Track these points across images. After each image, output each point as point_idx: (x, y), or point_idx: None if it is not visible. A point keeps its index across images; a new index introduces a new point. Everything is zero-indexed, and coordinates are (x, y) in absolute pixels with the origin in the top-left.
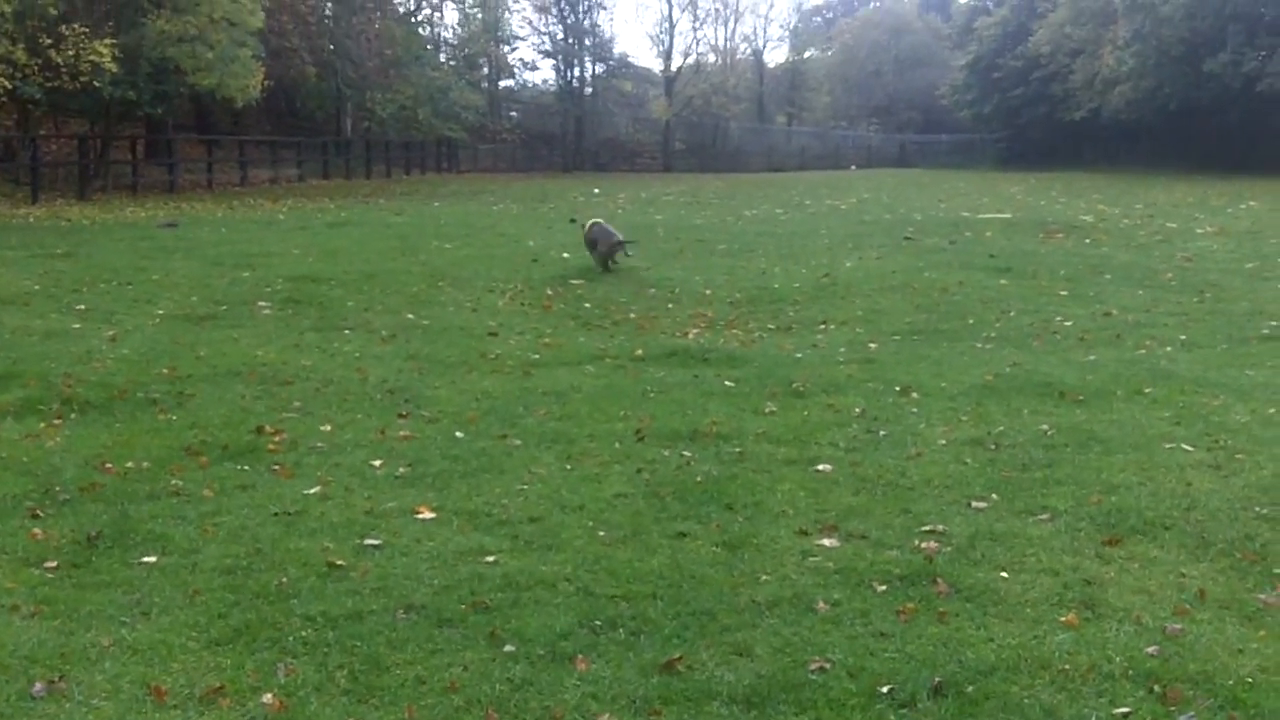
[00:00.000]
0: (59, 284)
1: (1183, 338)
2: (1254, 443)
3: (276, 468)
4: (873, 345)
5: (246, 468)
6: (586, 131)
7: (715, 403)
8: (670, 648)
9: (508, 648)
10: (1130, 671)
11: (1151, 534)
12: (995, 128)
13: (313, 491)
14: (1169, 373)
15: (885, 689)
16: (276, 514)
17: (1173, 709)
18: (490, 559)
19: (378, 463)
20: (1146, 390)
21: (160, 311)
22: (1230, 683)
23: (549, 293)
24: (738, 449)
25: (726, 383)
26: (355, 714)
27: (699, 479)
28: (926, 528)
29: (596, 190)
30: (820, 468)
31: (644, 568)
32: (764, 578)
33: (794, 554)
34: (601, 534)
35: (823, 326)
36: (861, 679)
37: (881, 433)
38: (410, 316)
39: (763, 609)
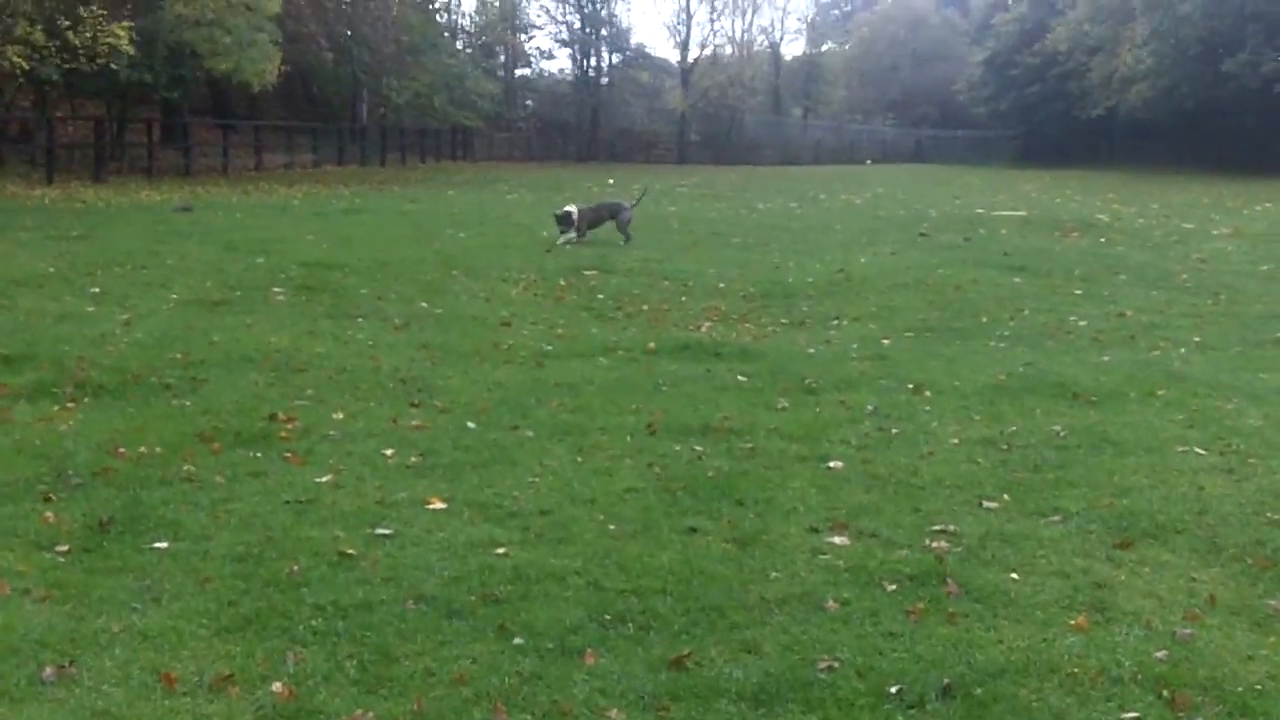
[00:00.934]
0: (74, 266)
1: (1197, 340)
2: (1267, 447)
3: (289, 455)
4: (886, 342)
5: (259, 455)
6: (602, 121)
7: (727, 397)
8: (679, 644)
9: (517, 640)
10: (1139, 676)
11: (1163, 538)
12: (1011, 124)
13: (324, 480)
14: (1183, 375)
15: (894, 689)
16: (288, 502)
17: (1181, 715)
18: (500, 551)
19: (389, 452)
20: (1160, 392)
21: (174, 296)
22: (1239, 690)
23: (562, 283)
24: (749, 445)
25: (739, 377)
26: (364, 704)
27: (710, 474)
28: (937, 527)
29: (611, 181)
30: (831, 465)
31: (654, 563)
32: (774, 575)
33: (804, 551)
34: (612, 528)
35: (836, 322)
36: (870, 679)
37: (893, 431)
38: (424, 305)
39: (772, 606)
